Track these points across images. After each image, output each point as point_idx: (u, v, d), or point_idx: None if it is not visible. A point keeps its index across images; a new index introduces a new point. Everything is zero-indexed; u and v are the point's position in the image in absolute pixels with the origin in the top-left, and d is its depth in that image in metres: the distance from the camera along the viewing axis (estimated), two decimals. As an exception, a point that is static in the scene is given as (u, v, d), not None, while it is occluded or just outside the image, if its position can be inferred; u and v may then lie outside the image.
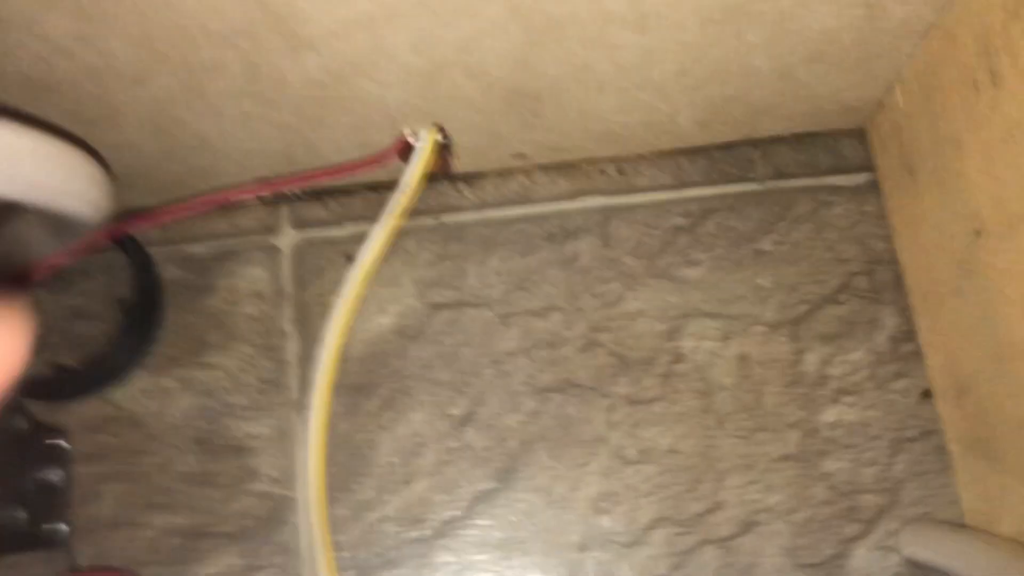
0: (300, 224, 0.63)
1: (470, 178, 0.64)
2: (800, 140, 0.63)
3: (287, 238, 0.62)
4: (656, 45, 0.51)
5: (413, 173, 0.59)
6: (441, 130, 0.58)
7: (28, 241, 0.53)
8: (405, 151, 0.59)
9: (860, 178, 0.62)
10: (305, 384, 0.60)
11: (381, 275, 0.61)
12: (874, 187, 0.62)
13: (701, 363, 0.59)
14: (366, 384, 0.60)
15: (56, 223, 0.51)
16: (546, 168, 0.63)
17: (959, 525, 0.55)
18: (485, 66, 0.51)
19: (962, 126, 0.50)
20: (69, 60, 0.45)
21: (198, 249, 0.62)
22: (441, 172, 0.62)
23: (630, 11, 0.47)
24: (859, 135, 0.63)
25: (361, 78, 0.50)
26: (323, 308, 0.61)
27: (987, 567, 0.48)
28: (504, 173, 0.63)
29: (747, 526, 0.56)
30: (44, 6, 0.41)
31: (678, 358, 0.59)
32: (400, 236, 0.62)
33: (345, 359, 0.60)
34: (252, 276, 0.62)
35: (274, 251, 0.62)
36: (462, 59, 0.50)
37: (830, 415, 0.58)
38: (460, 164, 0.62)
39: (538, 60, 0.51)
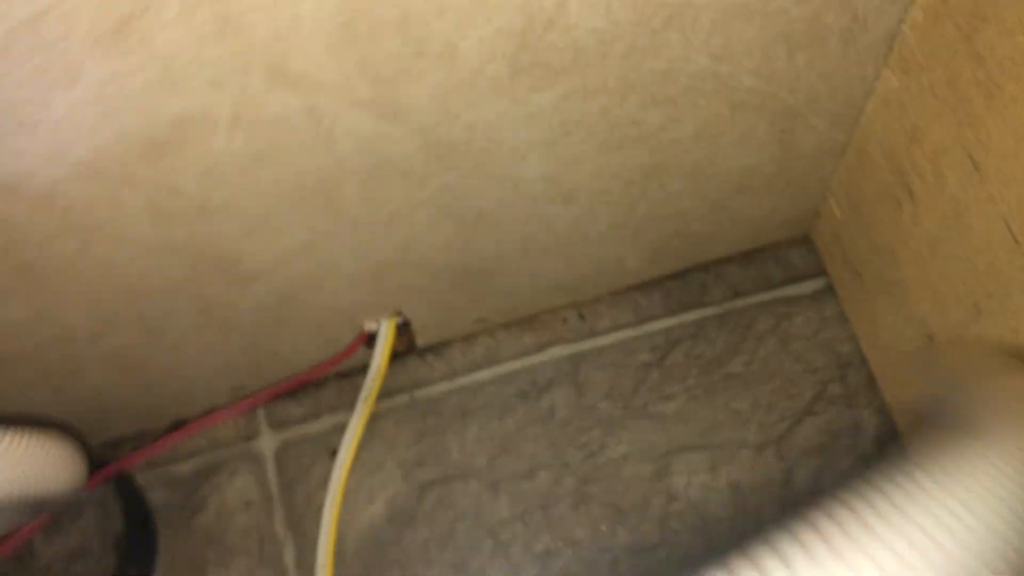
0: (278, 425, 0.63)
1: (436, 349, 0.65)
2: (749, 257, 0.65)
3: (267, 442, 0.63)
4: (586, 211, 0.53)
5: (380, 359, 0.60)
6: (399, 314, 0.59)
7: (6, 517, 0.53)
8: (369, 340, 0.60)
9: (814, 284, 0.64)
10: (306, 589, 0.59)
11: (365, 463, 0.62)
12: (830, 291, 0.63)
13: (695, 499, 0.59)
14: (367, 578, 0.59)
15: (33, 503, 0.51)
16: (508, 326, 0.65)
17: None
18: (428, 258, 0.53)
19: (892, 237, 0.51)
20: (30, 336, 0.47)
21: (182, 468, 0.63)
22: (406, 349, 0.63)
23: (553, 190, 0.49)
24: (805, 242, 0.65)
25: (311, 293, 0.52)
26: (313, 507, 0.61)
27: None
28: (468, 338, 0.65)
29: None
30: (1, 300, 0.43)
31: (671, 498, 0.59)
32: (378, 420, 0.63)
33: (342, 555, 0.60)
34: (239, 486, 0.62)
35: (257, 457, 0.63)
36: (405, 257, 0.52)
37: (832, 529, 0.57)
38: (424, 339, 0.63)
39: (478, 244, 0.53)
